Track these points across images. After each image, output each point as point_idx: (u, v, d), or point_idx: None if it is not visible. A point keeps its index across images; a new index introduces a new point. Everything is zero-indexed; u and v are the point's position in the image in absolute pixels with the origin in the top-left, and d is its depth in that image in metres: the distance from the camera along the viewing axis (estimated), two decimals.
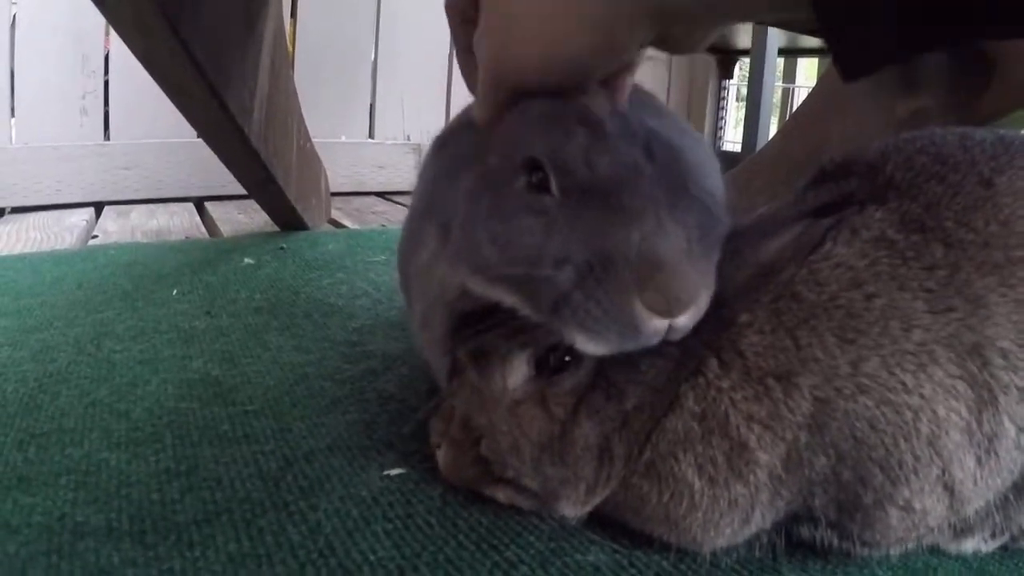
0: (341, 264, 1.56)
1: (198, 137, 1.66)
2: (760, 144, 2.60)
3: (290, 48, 2.22)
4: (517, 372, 0.60)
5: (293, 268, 1.52)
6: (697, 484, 0.57)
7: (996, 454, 0.55)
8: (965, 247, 0.57)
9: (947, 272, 0.56)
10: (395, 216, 2.29)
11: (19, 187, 2.15)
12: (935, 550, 0.63)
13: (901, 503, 0.55)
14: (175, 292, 1.32)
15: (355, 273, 1.49)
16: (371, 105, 2.74)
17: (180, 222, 2.10)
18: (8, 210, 2.13)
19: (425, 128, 2.74)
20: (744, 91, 3.06)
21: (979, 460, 0.55)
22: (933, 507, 0.56)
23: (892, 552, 0.61)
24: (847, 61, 0.55)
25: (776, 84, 3.05)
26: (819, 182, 0.68)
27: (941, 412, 0.54)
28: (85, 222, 2.02)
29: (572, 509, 0.62)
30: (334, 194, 2.22)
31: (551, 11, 0.58)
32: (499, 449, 0.61)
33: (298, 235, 1.85)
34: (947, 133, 0.66)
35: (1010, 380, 0.54)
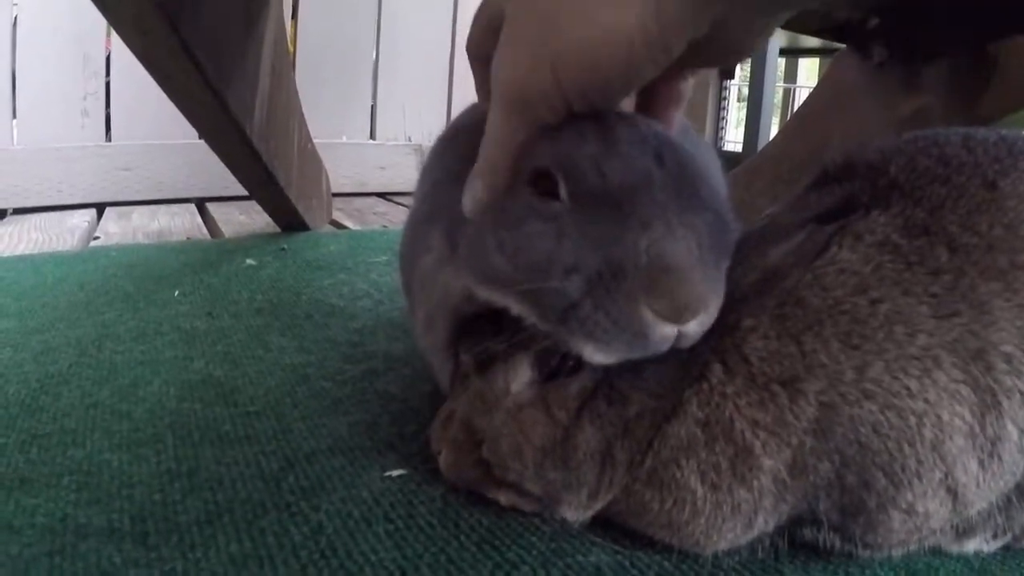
0: (342, 265, 1.56)
1: (199, 138, 1.67)
2: (761, 144, 2.61)
3: (291, 49, 2.22)
4: (520, 376, 0.60)
5: (294, 269, 1.52)
6: (700, 490, 0.57)
7: (999, 457, 0.55)
8: (969, 251, 0.56)
9: (951, 276, 0.56)
10: (396, 217, 2.29)
11: (20, 188, 2.15)
12: (937, 551, 0.63)
13: (904, 506, 0.55)
14: (177, 293, 1.32)
15: (356, 274, 1.49)
16: (372, 106, 2.75)
17: (181, 223, 2.10)
18: (10, 211, 2.13)
19: (426, 129, 2.74)
20: (745, 91, 3.06)
21: (982, 463, 0.55)
22: (936, 510, 0.56)
23: (894, 553, 0.61)
24: (907, 43, 0.52)
25: (777, 84, 3.05)
26: (822, 183, 0.68)
27: (945, 416, 0.53)
28: (87, 223, 2.02)
29: (574, 514, 0.62)
30: (335, 195, 2.22)
31: None
32: (501, 453, 0.61)
33: (299, 236, 1.85)
34: (950, 133, 0.65)
35: (1013, 384, 0.54)
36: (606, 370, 0.57)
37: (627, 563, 0.60)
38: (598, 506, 0.61)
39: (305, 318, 1.20)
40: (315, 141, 1.97)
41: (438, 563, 0.59)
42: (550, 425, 0.59)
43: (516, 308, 0.56)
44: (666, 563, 0.61)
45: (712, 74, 3.35)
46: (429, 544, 0.62)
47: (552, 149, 0.56)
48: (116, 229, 1.99)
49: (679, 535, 0.59)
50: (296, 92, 1.80)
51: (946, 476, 0.55)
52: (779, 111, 3.36)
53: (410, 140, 2.78)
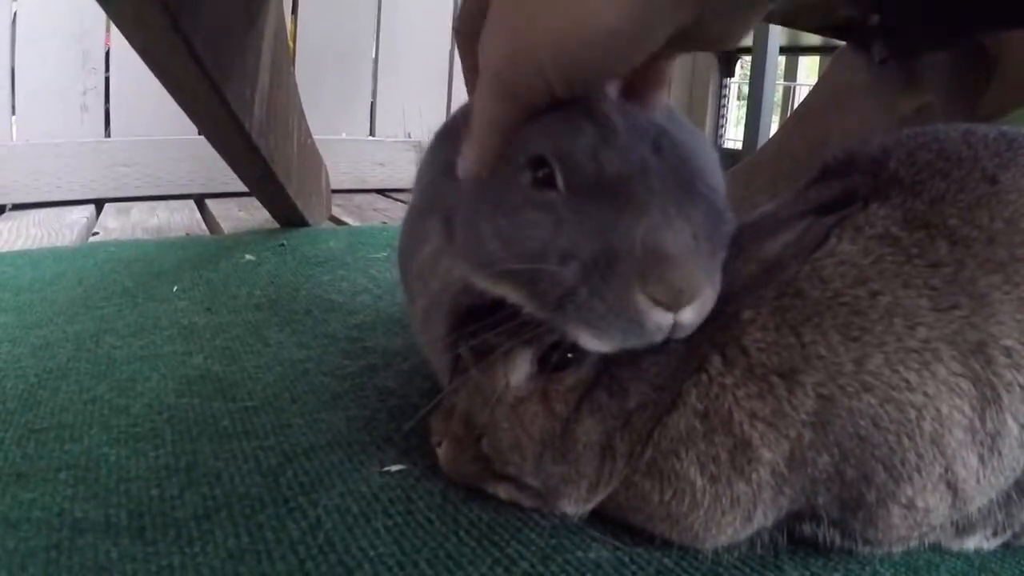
0: (342, 261, 1.56)
1: (199, 134, 1.66)
2: (761, 142, 2.61)
3: (291, 45, 2.22)
4: (519, 369, 0.60)
5: (293, 265, 1.52)
6: (699, 482, 0.57)
7: (999, 452, 0.55)
8: (969, 244, 0.56)
9: (951, 269, 0.56)
10: (396, 213, 2.29)
11: (20, 184, 2.15)
12: (937, 548, 0.63)
13: (904, 501, 0.55)
14: (175, 288, 1.32)
15: (355, 270, 1.49)
16: (372, 102, 2.75)
17: (181, 219, 2.10)
18: (9, 207, 2.14)
19: (426, 125, 2.73)
20: (745, 89, 3.06)
21: (982, 458, 0.55)
22: (936, 505, 0.56)
23: (894, 550, 0.61)
24: (896, 40, 0.52)
25: (777, 82, 3.05)
26: (823, 178, 0.68)
27: (944, 410, 0.53)
28: (86, 219, 2.02)
29: (574, 507, 0.62)
30: (335, 191, 2.22)
31: None
32: (500, 446, 0.61)
33: (299, 232, 1.85)
34: (950, 129, 0.65)
35: (1013, 378, 0.54)
36: (605, 362, 0.57)
37: (627, 559, 0.60)
38: (598, 499, 0.61)
39: (304, 314, 1.20)
40: (315, 137, 1.97)
41: (437, 558, 0.59)
42: (549, 418, 0.59)
43: (513, 296, 0.56)
44: (666, 559, 0.60)
45: (712, 72, 3.36)
46: (428, 539, 0.62)
47: (549, 137, 0.56)
48: (115, 225, 1.99)
49: (678, 528, 0.59)
50: (296, 88, 1.80)
51: (946, 470, 0.54)
52: (779, 109, 3.35)
53: (409, 137, 2.78)
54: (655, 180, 0.52)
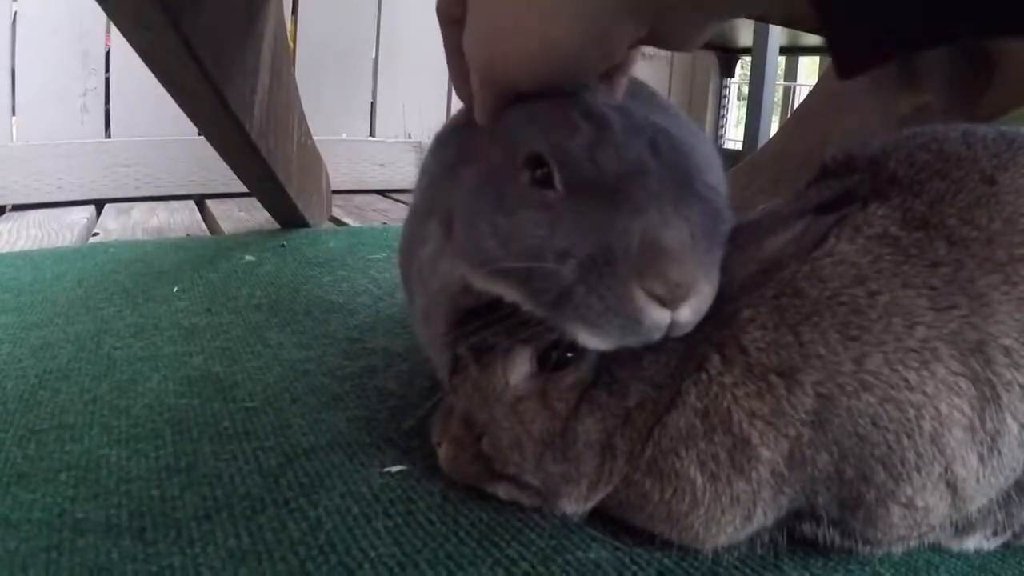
0: (342, 262, 1.56)
1: (199, 134, 1.66)
2: (761, 142, 2.60)
3: (291, 45, 2.22)
4: (519, 368, 0.60)
5: (294, 265, 1.52)
6: (699, 481, 0.57)
7: (999, 451, 0.55)
8: (968, 244, 0.56)
9: (950, 269, 0.56)
10: (396, 214, 2.29)
11: (20, 184, 2.15)
12: (937, 548, 0.63)
13: (903, 501, 0.55)
14: (176, 289, 1.32)
15: (356, 270, 1.49)
16: (372, 103, 2.75)
17: (181, 219, 2.10)
18: (9, 207, 2.13)
19: (426, 126, 2.72)
20: (745, 89, 3.06)
21: (982, 458, 0.55)
22: (935, 505, 0.56)
23: (894, 550, 0.61)
24: (844, 57, 0.54)
25: (777, 82, 3.05)
26: (822, 178, 0.68)
27: (944, 409, 0.53)
28: (86, 219, 2.02)
29: (574, 506, 0.62)
30: (335, 192, 2.22)
31: (535, 3, 0.57)
32: (501, 446, 0.61)
33: (299, 232, 1.85)
34: (949, 129, 0.66)
35: (1013, 377, 0.54)
36: (604, 360, 0.58)
37: (627, 559, 0.60)
38: (598, 497, 0.61)
39: (304, 314, 1.20)
40: (315, 138, 1.97)
41: (437, 559, 0.59)
42: (549, 417, 0.59)
43: (511, 295, 0.56)
44: (666, 560, 0.60)
45: (712, 72, 3.36)
46: (428, 540, 0.62)
47: (547, 136, 0.56)
48: (115, 225, 1.99)
49: (679, 527, 0.59)
50: (296, 89, 1.80)
51: (945, 470, 0.55)
52: (779, 109, 3.35)
53: (409, 137, 2.78)
54: (652, 179, 0.53)
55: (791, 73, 3.50)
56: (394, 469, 0.72)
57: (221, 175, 1.96)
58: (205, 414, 0.83)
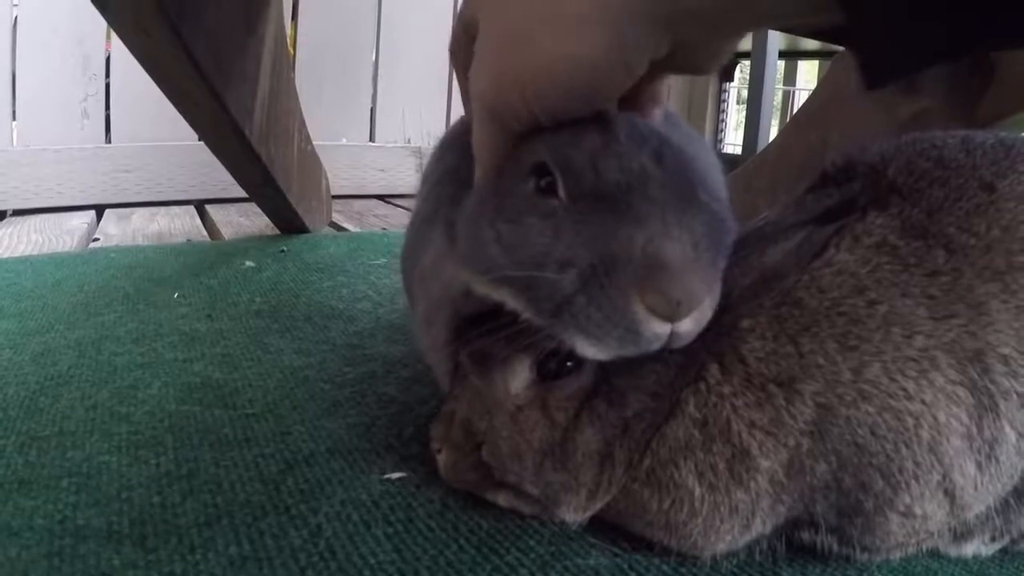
0: (342, 267, 1.56)
1: (199, 140, 1.66)
2: (761, 146, 2.61)
3: (291, 51, 2.23)
4: (519, 377, 0.60)
5: (294, 271, 1.52)
6: (698, 491, 0.57)
7: (997, 459, 0.55)
8: (967, 253, 0.56)
9: (949, 278, 0.56)
10: (396, 219, 2.29)
11: (20, 190, 2.15)
12: (935, 554, 0.63)
13: (902, 509, 0.55)
14: (176, 295, 1.32)
15: (356, 276, 1.49)
16: (372, 108, 2.75)
17: (181, 225, 2.10)
18: (9, 213, 2.14)
19: (426, 131, 2.74)
20: (745, 94, 3.06)
21: (980, 466, 0.55)
22: (934, 512, 0.56)
23: (892, 556, 0.61)
24: (873, 67, 0.53)
25: (776, 87, 3.06)
26: (821, 185, 0.68)
27: (942, 418, 0.54)
28: (86, 225, 2.02)
29: (573, 515, 0.62)
30: (335, 197, 2.22)
31: (556, 15, 0.54)
32: (500, 454, 0.61)
33: (299, 238, 1.85)
34: (948, 136, 0.66)
35: (1011, 386, 0.54)
36: (604, 371, 0.58)
37: (625, 566, 0.60)
38: (597, 507, 0.61)
39: (304, 320, 1.20)
40: (315, 143, 1.97)
41: (437, 566, 0.60)
42: (549, 426, 0.59)
43: (511, 303, 0.56)
44: (664, 566, 0.61)
45: (711, 77, 3.36)
46: (428, 547, 0.62)
47: (551, 145, 0.56)
48: (116, 231, 1.99)
49: (677, 536, 0.59)
50: (296, 94, 1.80)
51: (943, 478, 0.55)
52: (778, 113, 3.36)
53: (409, 142, 2.78)
54: (655, 189, 0.53)
55: (790, 77, 3.51)
56: (394, 476, 0.72)
57: (221, 180, 1.96)
58: (206, 421, 0.83)
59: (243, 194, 1.86)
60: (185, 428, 0.81)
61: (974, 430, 0.54)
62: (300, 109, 1.84)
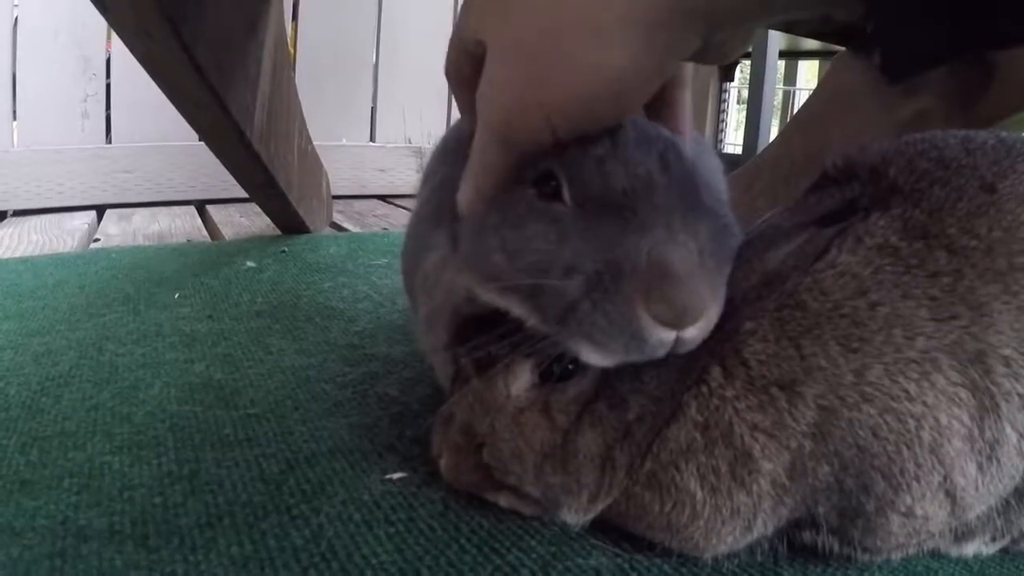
0: (343, 267, 1.56)
1: (199, 140, 1.66)
2: (761, 146, 2.61)
3: (291, 51, 2.23)
4: (521, 379, 0.60)
5: (295, 271, 1.52)
6: (699, 494, 0.57)
7: (998, 460, 0.55)
8: (968, 254, 0.56)
9: (950, 279, 0.56)
10: (396, 219, 2.29)
11: (21, 190, 2.16)
12: (936, 554, 0.63)
13: (903, 510, 0.55)
14: (177, 295, 1.32)
15: (357, 276, 1.49)
16: (372, 108, 2.75)
17: (182, 225, 2.10)
18: (10, 213, 2.14)
19: (426, 131, 2.74)
20: (745, 94, 3.06)
21: (981, 467, 0.55)
22: (935, 513, 0.56)
23: (893, 557, 0.61)
24: (895, 62, 0.53)
25: (777, 87, 3.06)
26: (822, 186, 0.68)
27: (943, 420, 0.54)
28: (87, 225, 2.02)
29: (574, 517, 0.62)
30: (335, 197, 2.22)
31: (578, 23, 0.51)
32: (501, 456, 0.61)
33: (299, 238, 1.85)
34: (949, 136, 0.65)
35: (1012, 387, 0.54)
36: (606, 373, 0.57)
37: (627, 566, 0.61)
38: (598, 509, 0.61)
39: (305, 321, 1.20)
40: (315, 143, 1.97)
41: (438, 566, 0.60)
42: (550, 429, 0.59)
43: (516, 309, 0.56)
44: (666, 566, 0.61)
45: (712, 77, 3.36)
46: (429, 547, 0.62)
47: (557, 151, 0.56)
48: (116, 231, 1.99)
49: (678, 538, 0.59)
50: (296, 94, 1.80)
51: (945, 479, 0.55)
52: (779, 113, 3.36)
53: (410, 143, 2.78)
54: (661, 195, 0.52)
55: (790, 77, 3.52)
56: (395, 476, 0.72)
57: (222, 181, 1.96)
58: (207, 421, 0.83)
59: (244, 194, 1.86)
60: (186, 428, 0.81)
61: (975, 431, 0.54)
62: (301, 109, 1.84)
